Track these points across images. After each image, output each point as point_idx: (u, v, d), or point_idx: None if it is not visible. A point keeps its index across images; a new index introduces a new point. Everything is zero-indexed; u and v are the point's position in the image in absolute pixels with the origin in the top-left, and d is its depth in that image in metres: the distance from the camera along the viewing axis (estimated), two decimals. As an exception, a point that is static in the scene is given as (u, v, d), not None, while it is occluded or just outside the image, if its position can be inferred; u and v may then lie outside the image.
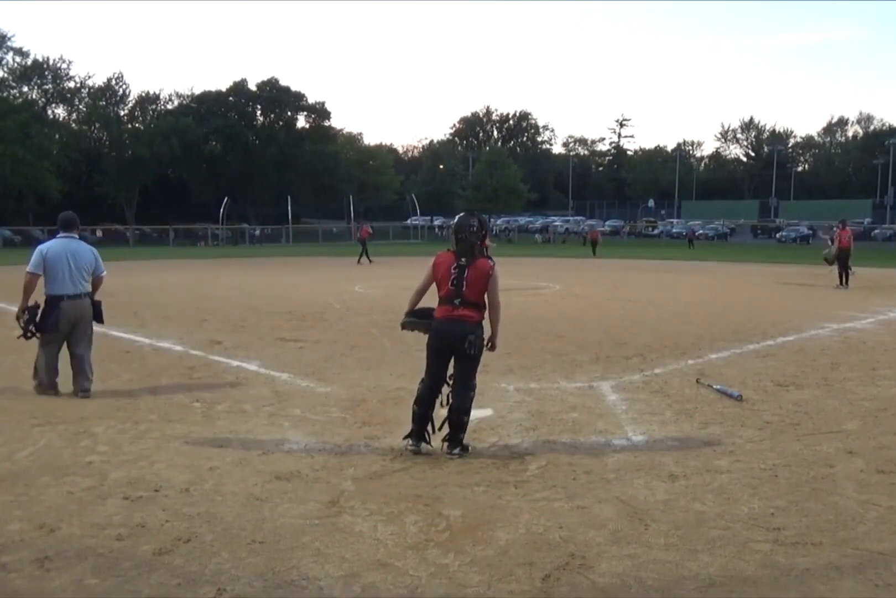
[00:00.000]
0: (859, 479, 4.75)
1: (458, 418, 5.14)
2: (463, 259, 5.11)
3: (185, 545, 3.75)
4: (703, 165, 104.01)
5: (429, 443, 5.23)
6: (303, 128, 70.66)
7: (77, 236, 7.07)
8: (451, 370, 5.27)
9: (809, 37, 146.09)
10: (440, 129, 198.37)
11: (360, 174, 72.47)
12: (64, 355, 6.95)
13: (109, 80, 62.68)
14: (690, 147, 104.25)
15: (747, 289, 18.36)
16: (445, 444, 5.18)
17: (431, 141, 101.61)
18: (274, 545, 3.76)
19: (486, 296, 5.11)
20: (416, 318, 5.41)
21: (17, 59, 56.20)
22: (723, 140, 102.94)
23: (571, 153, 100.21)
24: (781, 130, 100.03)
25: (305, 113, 70.93)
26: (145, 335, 10.35)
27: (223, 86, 70.42)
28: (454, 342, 5.09)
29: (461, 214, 5.35)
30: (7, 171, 48.88)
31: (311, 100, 70.25)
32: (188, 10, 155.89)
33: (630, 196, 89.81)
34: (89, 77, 64.68)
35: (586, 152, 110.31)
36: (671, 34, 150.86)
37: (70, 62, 62.62)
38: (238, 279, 21.08)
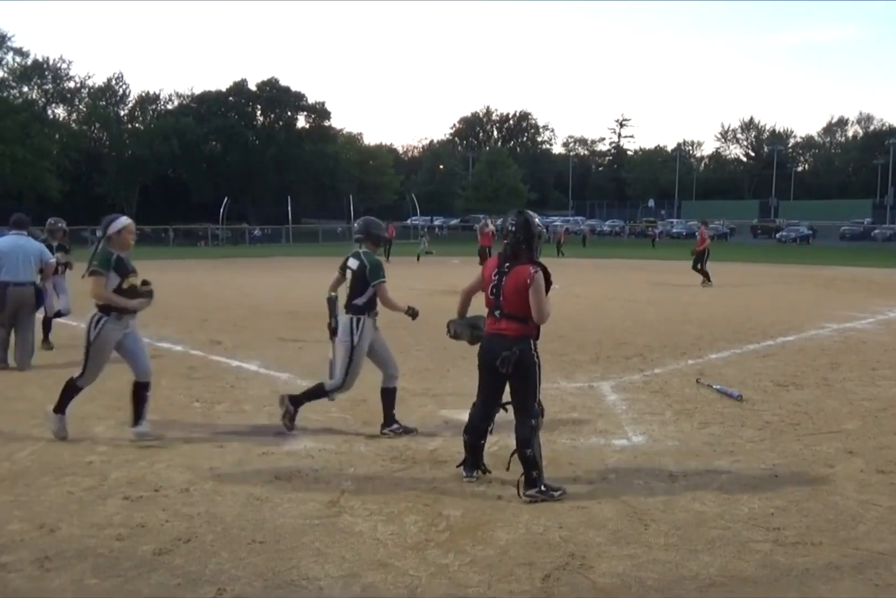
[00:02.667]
0: (859, 479, 4.75)
1: (521, 452, 4.41)
2: (506, 265, 4.48)
3: (185, 545, 3.75)
4: (703, 165, 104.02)
5: (485, 472, 4.73)
6: (303, 128, 70.69)
7: (26, 234, 8.26)
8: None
9: (809, 37, 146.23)
10: (440, 129, 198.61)
11: (360, 174, 72.49)
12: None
13: (109, 80, 62.81)
14: (690, 147, 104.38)
15: (747, 289, 18.35)
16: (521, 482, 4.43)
17: (431, 141, 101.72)
18: (274, 545, 3.77)
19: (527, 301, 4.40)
20: (468, 325, 4.83)
21: (17, 59, 56.31)
22: (723, 140, 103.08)
23: (571, 153, 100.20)
24: (781, 130, 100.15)
25: (305, 113, 70.98)
26: (145, 335, 10.27)
27: (223, 86, 70.58)
28: (492, 360, 4.44)
29: (509, 212, 4.65)
30: (7, 171, 48.90)
31: (311, 100, 70.37)
32: (188, 10, 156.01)
33: (630, 196, 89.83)
34: (89, 77, 64.84)
35: (586, 152, 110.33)
36: (671, 34, 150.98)
37: (70, 62, 62.75)
38: (238, 279, 21.08)
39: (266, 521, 4.06)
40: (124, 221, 5.45)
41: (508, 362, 4.37)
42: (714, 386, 7.13)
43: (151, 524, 4.00)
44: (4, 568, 3.51)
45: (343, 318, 5.70)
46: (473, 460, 4.71)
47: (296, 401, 5.75)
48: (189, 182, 64.55)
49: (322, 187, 69.21)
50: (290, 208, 54.47)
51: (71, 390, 5.61)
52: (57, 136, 56.22)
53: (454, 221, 71.39)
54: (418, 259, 30.02)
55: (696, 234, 20.33)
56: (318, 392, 5.78)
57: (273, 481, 4.67)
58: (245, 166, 63.78)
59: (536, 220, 4.53)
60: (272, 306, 14.00)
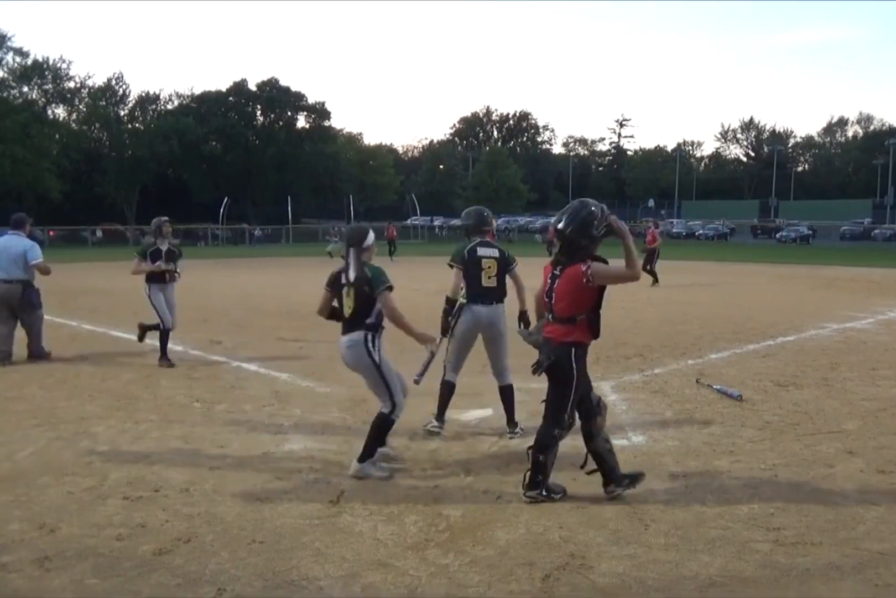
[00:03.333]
0: (859, 479, 4.75)
1: (534, 456, 4.35)
2: (558, 267, 4.32)
3: (185, 545, 3.75)
4: (703, 165, 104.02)
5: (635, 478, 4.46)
6: (303, 128, 70.72)
7: (23, 234, 8.61)
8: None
9: (809, 37, 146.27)
10: (440, 129, 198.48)
11: (360, 174, 72.52)
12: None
13: (109, 80, 62.83)
14: (690, 147, 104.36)
15: (747, 289, 18.35)
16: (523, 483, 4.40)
17: (431, 141, 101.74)
18: (274, 545, 3.77)
19: (584, 302, 4.25)
20: (538, 331, 4.57)
21: (17, 59, 56.32)
22: (723, 140, 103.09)
23: (571, 153, 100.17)
24: (781, 130, 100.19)
25: (305, 113, 71.01)
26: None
27: (223, 86, 70.65)
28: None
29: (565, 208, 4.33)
30: (7, 171, 48.92)
31: (311, 100, 70.42)
32: (188, 10, 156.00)
33: (630, 196, 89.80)
34: (89, 77, 64.93)
35: (586, 152, 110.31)
36: (671, 34, 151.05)
37: (70, 62, 62.84)
38: (238, 279, 21.08)
39: (266, 521, 4.06)
40: (372, 235, 4.99)
41: (540, 367, 4.27)
42: (714, 386, 7.13)
43: (151, 524, 4.00)
44: (4, 568, 3.51)
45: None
46: (604, 472, 4.41)
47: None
48: (189, 182, 64.59)
49: (322, 187, 69.25)
50: (290, 208, 54.50)
51: (385, 424, 4.88)
52: (57, 136, 56.23)
53: (454, 221, 71.39)
54: (331, 257, 28.22)
55: (646, 233, 19.90)
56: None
57: (273, 481, 4.68)
58: (245, 166, 63.82)
59: (588, 219, 4.23)
60: (272, 306, 14.00)
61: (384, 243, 29.42)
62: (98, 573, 3.46)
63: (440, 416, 5.77)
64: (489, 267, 5.56)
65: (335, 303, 5.02)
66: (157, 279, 8.44)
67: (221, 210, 52.35)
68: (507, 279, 5.70)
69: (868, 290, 18.22)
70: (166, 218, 8.89)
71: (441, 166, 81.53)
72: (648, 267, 18.40)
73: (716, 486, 4.61)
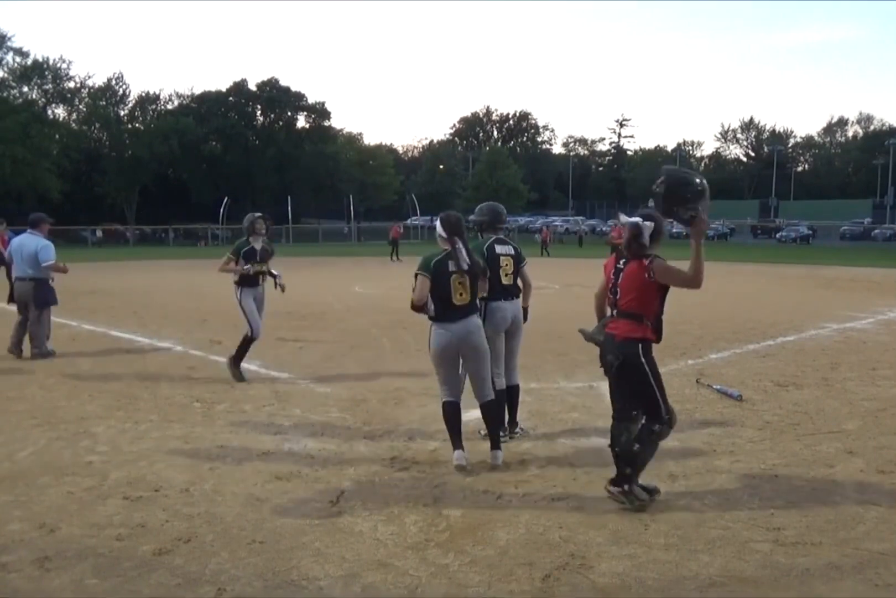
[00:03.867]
0: (859, 479, 4.75)
1: (629, 447, 4.25)
2: (621, 261, 4.29)
3: (185, 545, 3.75)
4: (703, 165, 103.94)
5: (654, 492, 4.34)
6: (303, 128, 70.75)
7: (40, 233, 8.82)
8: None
9: (809, 37, 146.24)
10: (440, 129, 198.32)
11: (360, 174, 72.47)
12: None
13: (109, 80, 62.86)
14: (690, 147, 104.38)
15: (747, 289, 18.35)
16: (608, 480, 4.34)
17: (431, 141, 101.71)
18: (274, 545, 3.77)
19: (649, 300, 4.25)
20: (601, 329, 4.52)
21: (17, 59, 56.34)
22: (723, 140, 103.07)
23: (571, 153, 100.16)
24: (781, 130, 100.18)
25: (305, 113, 71.04)
26: (145, 335, 10.35)
27: (223, 86, 70.68)
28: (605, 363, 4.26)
29: (636, 218, 4.27)
30: (7, 171, 48.93)
31: (311, 100, 70.46)
32: (188, 10, 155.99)
33: (630, 196, 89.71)
34: (89, 77, 64.97)
35: (586, 152, 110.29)
36: (671, 34, 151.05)
37: (70, 62, 62.85)
38: (238, 279, 21.06)
39: (266, 521, 4.06)
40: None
41: (611, 367, 4.23)
42: (714, 386, 7.13)
43: (151, 524, 4.00)
44: (4, 568, 3.51)
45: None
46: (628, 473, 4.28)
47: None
48: (189, 182, 64.59)
49: (322, 187, 69.26)
50: (290, 208, 54.51)
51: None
52: (57, 136, 56.25)
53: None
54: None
55: (610, 231, 19.72)
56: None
57: (273, 481, 4.68)
58: (245, 166, 63.82)
59: (648, 223, 4.22)
60: (272, 306, 13.93)
61: (383, 244, 29.43)
62: (98, 573, 3.46)
63: (511, 422, 5.70)
64: (506, 265, 5.54)
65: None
66: (251, 282, 7.75)
67: (221, 210, 52.35)
68: None
69: (868, 290, 18.22)
70: (260, 214, 7.88)
71: (441, 166, 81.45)
72: None
73: (716, 486, 4.61)
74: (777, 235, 55.23)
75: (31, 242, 8.76)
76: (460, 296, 4.94)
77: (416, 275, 4.96)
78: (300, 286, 18.27)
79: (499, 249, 5.57)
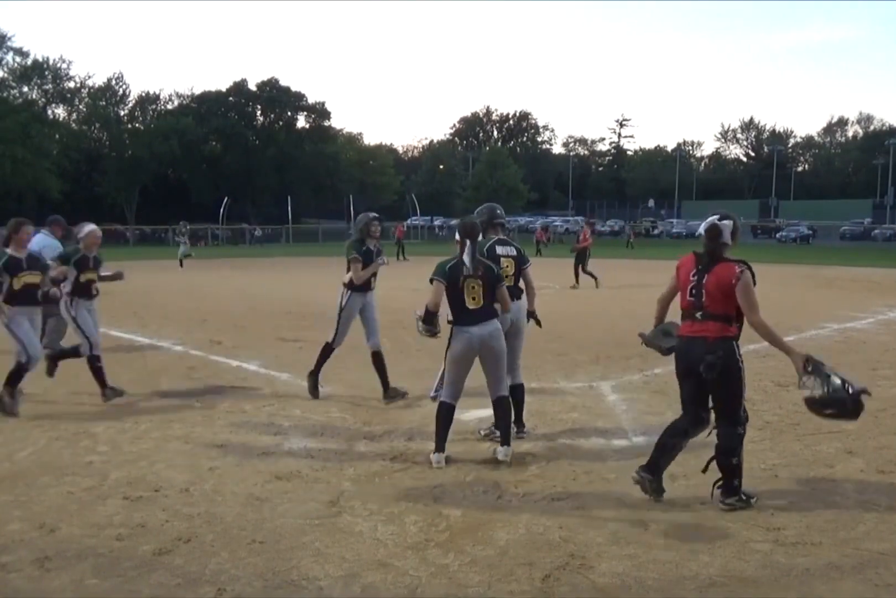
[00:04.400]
0: (859, 479, 4.75)
1: (725, 461, 4.22)
2: (705, 263, 4.27)
3: (185, 545, 3.75)
4: (703, 165, 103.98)
5: (660, 491, 4.37)
6: (303, 128, 70.68)
7: (51, 234, 8.74)
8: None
9: (809, 37, 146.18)
10: (440, 129, 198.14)
11: (360, 174, 72.49)
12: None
13: (109, 80, 62.74)
14: (690, 147, 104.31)
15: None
16: (717, 489, 4.28)
17: (431, 141, 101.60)
18: (274, 545, 3.77)
19: (733, 301, 4.22)
20: (661, 334, 4.62)
21: (17, 59, 56.27)
22: (723, 140, 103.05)
23: (571, 153, 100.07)
24: (781, 130, 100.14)
25: (305, 113, 70.97)
26: (145, 335, 10.35)
27: (223, 86, 70.57)
28: (693, 367, 4.25)
29: (713, 218, 4.32)
30: (7, 171, 48.88)
31: (311, 100, 70.34)
32: (188, 10, 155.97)
33: (630, 196, 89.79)
34: (89, 77, 64.77)
35: (586, 152, 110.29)
36: (671, 34, 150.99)
37: (70, 62, 62.71)
38: (238, 279, 21.09)
39: (266, 521, 4.06)
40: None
41: (713, 368, 4.15)
42: (714, 386, 7.12)
43: (151, 524, 4.00)
44: (4, 568, 3.51)
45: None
46: (653, 464, 4.36)
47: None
48: (189, 182, 64.54)
49: (322, 187, 69.22)
50: (290, 208, 54.49)
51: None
52: (57, 136, 56.21)
53: (454, 222, 71.42)
54: (181, 265, 25.34)
55: (579, 233, 19.46)
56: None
57: (273, 481, 4.68)
58: (245, 166, 63.78)
59: (727, 222, 4.26)
60: (272, 306, 13.99)
61: (391, 244, 29.40)
62: (98, 573, 3.46)
63: (518, 422, 5.66)
64: (507, 266, 5.52)
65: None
66: (361, 288, 6.85)
67: (221, 210, 52.33)
68: None
69: (868, 290, 18.22)
70: (376, 214, 7.08)
71: (441, 166, 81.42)
72: (581, 267, 18.19)
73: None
74: (777, 235, 55.21)
75: (37, 243, 8.79)
76: (473, 300, 4.99)
77: (431, 280, 5.05)
78: (300, 286, 18.29)
79: (499, 249, 5.55)
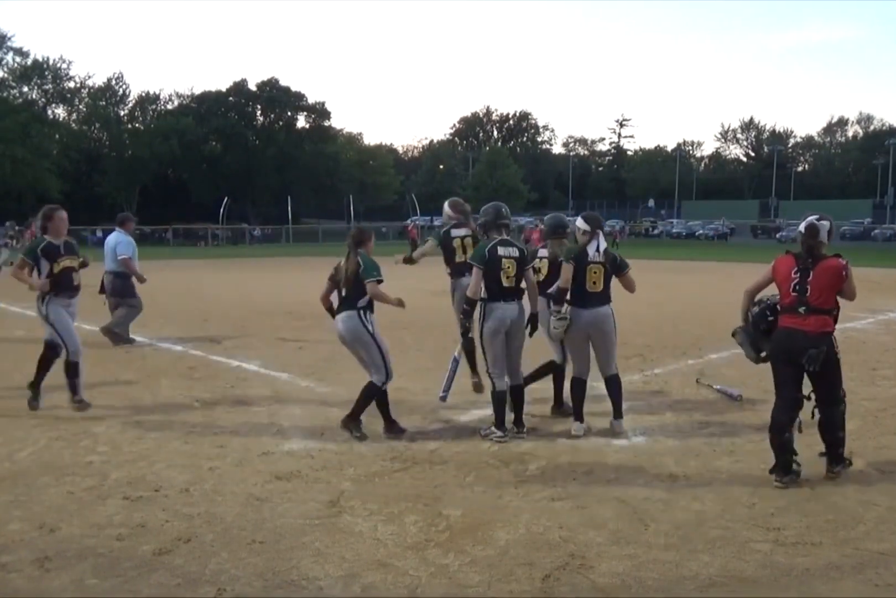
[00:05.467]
0: (859, 479, 4.75)
1: (832, 436, 4.71)
2: (808, 261, 4.56)
3: (185, 545, 3.75)
4: (703, 165, 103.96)
5: (798, 472, 4.66)
6: (303, 128, 70.68)
7: (124, 231, 9.92)
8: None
9: (809, 37, 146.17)
10: (440, 129, 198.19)
11: (360, 174, 72.43)
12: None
13: (109, 80, 62.81)
14: (690, 147, 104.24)
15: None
16: (827, 461, 4.74)
17: (431, 141, 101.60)
18: (274, 545, 3.77)
19: (835, 296, 4.57)
20: (754, 331, 4.90)
21: (17, 59, 56.32)
22: (723, 140, 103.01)
23: (571, 153, 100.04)
24: (781, 130, 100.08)
25: (305, 113, 70.95)
26: (145, 335, 10.34)
27: (223, 86, 70.53)
28: (794, 357, 4.55)
29: (811, 218, 4.64)
30: (7, 171, 48.90)
31: (311, 100, 70.32)
32: (188, 10, 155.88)
33: (630, 196, 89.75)
34: (89, 77, 64.84)
35: (586, 152, 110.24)
36: (671, 34, 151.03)
37: (70, 62, 62.76)
38: (238, 279, 21.09)
39: (266, 521, 4.06)
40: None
41: (816, 361, 4.48)
42: (714, 386, 7.13)
43: (151, 524, 4.00)
44: (4, 568, 3.51)
45: None
46: (784, 463, 4.63)
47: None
48: (189, 182, 64.55)
49: (322, 187, 69.19)
50: (290, 208, 54.49)
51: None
52: (57, 136, 56.23)
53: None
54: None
55: (523, 235, 19.26)
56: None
57: (273, 481, 4.68)
58: (245, 166, 63.78)
59: (824, 222, 4.62)
60: (272, 306, 13.99)
61: (403, 244, 29.32)
62: (98, 573, 3.46)
63: (517, 421, 5.71)
64: (508, 267, 5.54)
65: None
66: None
67: (221, 210, 52.33)
68: None
69: (868, 290, 18.16)
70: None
71: (441, 166, 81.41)
72: None
73: (716, 486, 4.61)
74: (777, 235, 55.18)
75: (113, 239, 9.88)
76: (594, 284, 5.67)
77: (566, 260, 5.63)
78: (300, 286, 18.28)
79: (501, 251, 5.56)
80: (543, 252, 6.12)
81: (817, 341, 4.48)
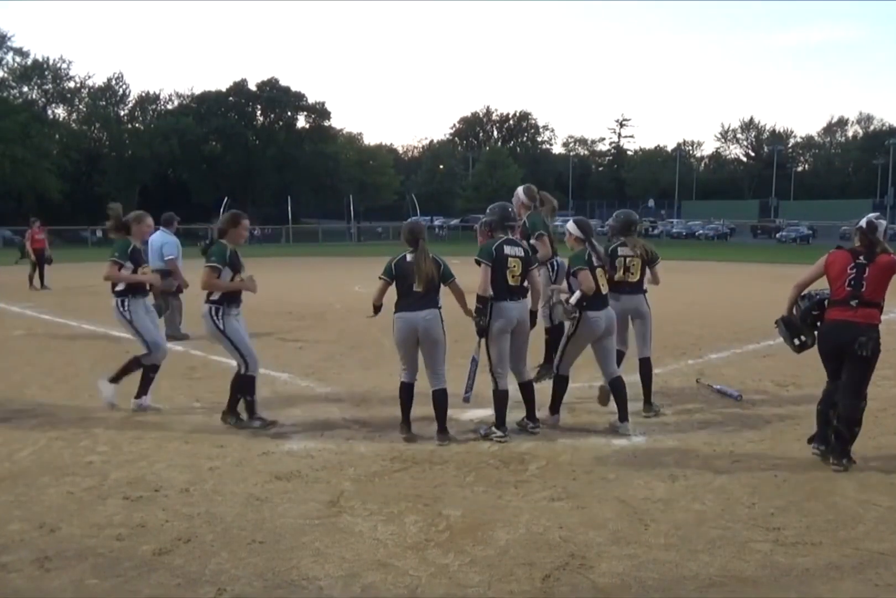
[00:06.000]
0: (859, 479, 4.75)
1: (847, 430, 4.91)
2: (861, 257, 4.87)
3: (185, 545, 3.75)
4: (703, 165, 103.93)
5: (828, 448, 5.02)
6: (303, 128, 70.64)
7: (168, 231, 10.10)
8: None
9: (809, 37, 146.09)
10: (440, 129, 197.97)
11: (360, 174, 72.40)
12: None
13: (109, 80, 62.71)
14: (690, 147, 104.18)
15: (747, 289, 18.35)
16: (833, 454, 4.95)
17: (431, 141, 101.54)
18: (274, 545, 3.77)
19: (886, 289, 4.88)
20: (801, 323, 5.24)
21: (17, 59, 56.27)
22: (723, 140, 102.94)
23: (571, 153, 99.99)
24: (781, 130, 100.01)
25: (305, 113, 70.91)
26: (145, 335, 10.33)
27: (223, 86, 70.47)
28: (843, 345, 4.85)
29: (870, 215, 5.08)
30: (7, 171, 48.86)
31: (311, 100, 70.23)
32: (188, 10, 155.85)
33: (630, 196, 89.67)
34: (89, 77, 64.84)
35: (586, 152, 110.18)
36: (671, 34, 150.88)
37: (70, 62, 62.76)
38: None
39: (266, 521, 4.06)
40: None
41: (866, 347, 4.76)
42: (714, 386, 7.13)
43: (151, 524, 4.00)
44: (4, 568, 3.51)
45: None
46: (823, 433, 5.05)
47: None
48: (189, 182, 64.52)
49: (322, 187, 69.19)
50: (290, 208, 54.47)
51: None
52: (57, 136, 56.20)
53: (454, 221, 71.46)
54: None
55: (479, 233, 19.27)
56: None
57: (273, 481, 4.68)
58: (245, 166, 63.77)
59: (882, 221, 5.00)
60: (272, 306, 13.98)
61: (380, 244, 29.28)
62: (98, 573, 3.46)
63: (531, 416, 5.84)
64: (514, 266, 5.58)
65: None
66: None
67: (221, 210, 52.10)
68: None
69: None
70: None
71: (441, 166, 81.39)
72: None
73: (716, 486, 4.61)
74: (777, 235, 55.17)
75: (158, 239, 9.91)
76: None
77: (578, 271, 5.69)
78: (300, 286, 18.29)
79: (507, 249, 5.61)
80: (626, 251, 6.28)
81: (868, 330, 4.77)
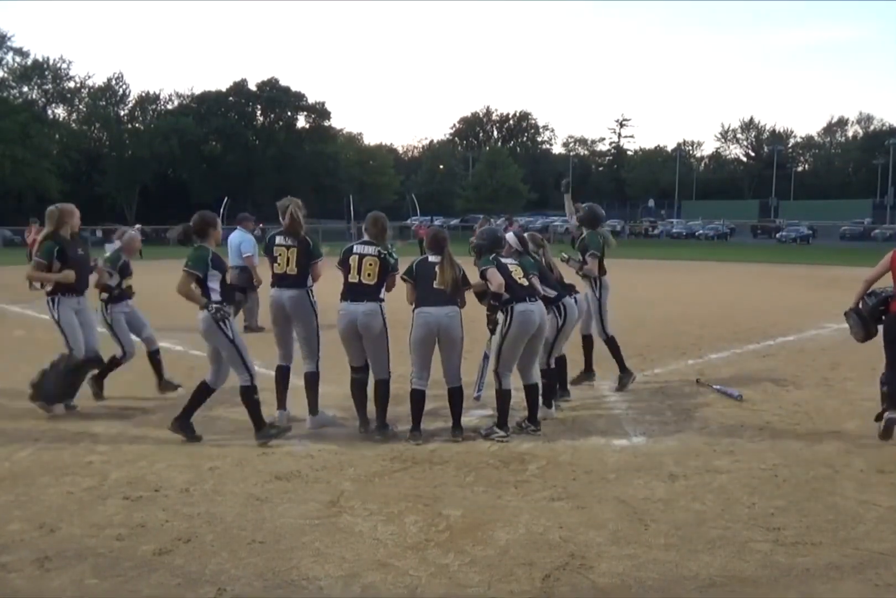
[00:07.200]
0: (859, 479, 4.75)
1: None
2: None
3: (185, 545, 3.75)
4: (703, 165, 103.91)
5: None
6: (303, 128, 70.66)
7: (245, 230, 10.70)
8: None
9: (809, 37, 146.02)
10: (440, 129, 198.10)
11: (360, 174, 72.44)
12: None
13: (109, 80, 62.68)
14: (690, 147, 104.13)
15: (747, 289, 18.35)
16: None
17: (431, 141, 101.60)
18: (274, 545, 3.77)
19: None
20: (868, 317, 5.70)
21: (17, 59, 56.28)
22: (723, 140, 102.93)
23: (571, 153, 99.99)
24: (781, 130, 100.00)
25: (305, 113, 70.92)
26: (145, 335, 10.33)
27: (223, 86, 70.48)
28: None
29: None
30: (7, 171, 48.87)
31: (311, 100, 70.26)
32: (188, 10, 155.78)
33: (630, 196, 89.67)
34: (89, 77, 64.77)
35: (586, 152, 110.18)
36: (671, 34, 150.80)
37: (70, 62, 62.76)
38: (238, 279, 21.08)
39: (266, 521, 4.06)
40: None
41: None
42: (714, 386, 7.13)
43: (151, 524, 4.00)
44: (4, 568, 3.51)
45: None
46: (894, 401, 5.47)
47: None
48: (189, 182, 64.50)
49: (322, 187, 69.16)
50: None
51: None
52: (57, 136, 56.21)
53: (454, 221, 71.50)
54: None
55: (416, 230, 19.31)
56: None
57: (273, 481, 4.68)
58: (245, 166, 63.76)
59: None
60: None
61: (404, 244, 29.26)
62: (98, 573, 3.46)
63: (532, 419, 5.83)
64: (514, 271, 5.79)
65: None
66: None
67: (221, 210, 52.15)
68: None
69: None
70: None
71: (441, 166, 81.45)
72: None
73: (716, 486, 4.61)
74: (777, 235, 55.16)
75: (236, 238, 10.57)
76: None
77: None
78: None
79: (504, 261, 5.84)
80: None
81: None
